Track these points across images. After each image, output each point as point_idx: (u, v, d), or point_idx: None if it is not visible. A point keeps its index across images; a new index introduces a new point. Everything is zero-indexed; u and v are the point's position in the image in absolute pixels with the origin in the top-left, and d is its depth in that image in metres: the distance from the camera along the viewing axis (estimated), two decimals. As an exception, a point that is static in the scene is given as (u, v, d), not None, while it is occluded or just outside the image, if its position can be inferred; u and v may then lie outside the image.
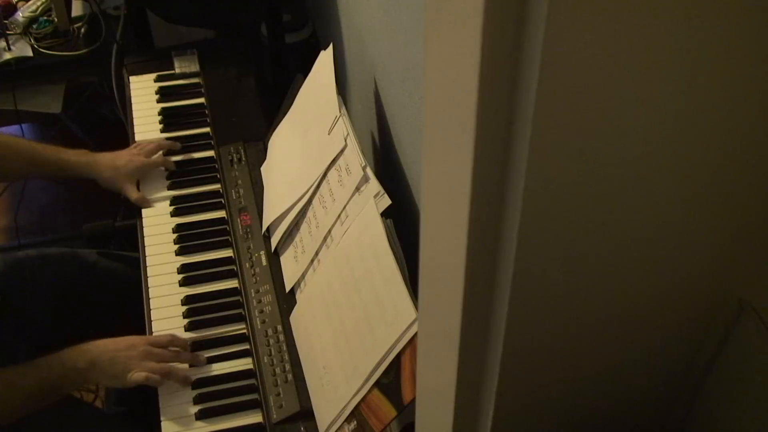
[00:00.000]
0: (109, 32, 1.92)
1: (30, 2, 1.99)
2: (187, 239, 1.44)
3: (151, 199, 1.49)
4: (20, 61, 1.89)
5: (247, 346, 1.28)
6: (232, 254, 1.41)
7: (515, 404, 0.61)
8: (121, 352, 1.22)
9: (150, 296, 1.35)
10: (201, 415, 1.20)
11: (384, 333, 1.03)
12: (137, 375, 1.20)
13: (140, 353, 1.22)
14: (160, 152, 1.55)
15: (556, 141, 0.44)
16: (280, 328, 1.28)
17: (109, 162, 1.49)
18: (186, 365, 1.25)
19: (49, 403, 1.21)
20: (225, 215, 1.47)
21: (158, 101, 1.68)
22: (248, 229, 1.43)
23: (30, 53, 1.91)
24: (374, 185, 1.15)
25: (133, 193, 1.47)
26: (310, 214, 1.31)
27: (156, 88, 1.70)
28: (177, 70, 1.73)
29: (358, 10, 1.45)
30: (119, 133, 1.80)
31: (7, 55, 1.89)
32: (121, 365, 1.21)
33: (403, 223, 1.14)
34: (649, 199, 0.51)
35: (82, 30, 1.96)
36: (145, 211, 1.49)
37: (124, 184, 1.48)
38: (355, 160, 1.20)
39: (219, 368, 1.26)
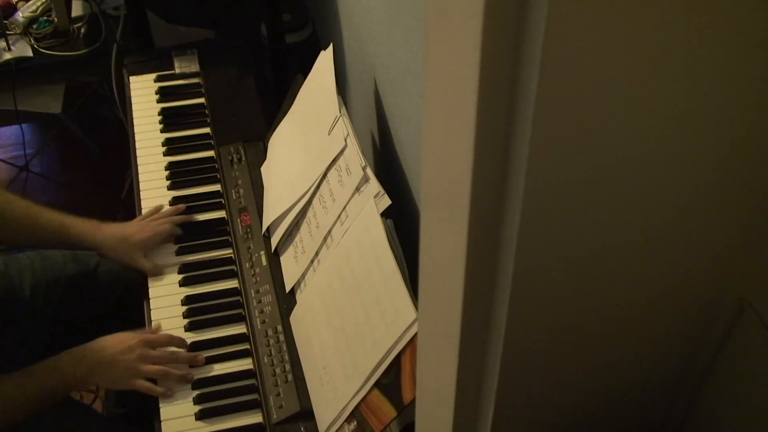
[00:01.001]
0: (109, 32, 1.92)
1: (30, 2, 1.99)
2: (187, 239, 1.44)
3: (161, 265, 1.40)
4: (20, 61, 1.90)
5: (247, 346, 1.28)
6: (232, 254, 1.41)
7: (515, 404, 0.61)
8: (119, 356, 1.22)
9: (150, 296, 1.35)
10: (201, 415, 1.20)
11: (384, 333, 1.03)
12: (140, 383, 1.21)
13: (138, 356, 1.23)
14: (171, 219, 1.45)
15: (556, 141, 0.44)
16: (280, 328, 1.28)
17: (116, 233, 1.41)
18: (186, 366, 1.25)
19: (47, 408, 1.20)
20: (225, 215, 1.47)
21: (158, 101, 1.68)
22: (248, 229, 1.43)
23: (30, 53, 1.91)
24: (374, 185, 1.15)
25: (144, 264, 1.38)
26: (310, 214, 1.31)
27: (156, 88, 1.70)
28: (177, 70, 1.73)
29: (358, 10, 1.45)
30: (119, 133, 1.80)
31: (7, 55, 1.89)
32: (119, 370, 1.22)
33: (403, 223, 1.14)
34: (649, 199, 0.51)
35: (82, 30, 1.96)
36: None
37: (133, 255, 1.39)
38: (355, 161, 1.20)
39: (219, 368, 1.26)
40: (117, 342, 1.25)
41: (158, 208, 1.47)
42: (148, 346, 1.24)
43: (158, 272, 1.38)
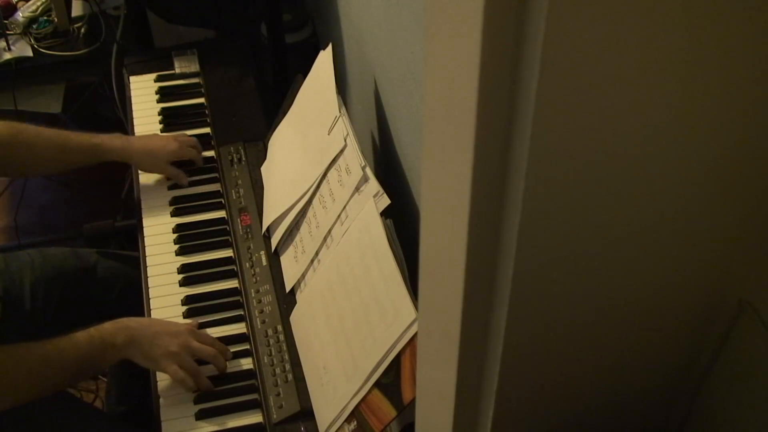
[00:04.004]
0: (109, 32, 1.92)
1: (30, 2, 1.99)
2: (187, 239, 1.44)
3: (186, 181, 1.52)
4: (20, 61, 1.89)
5: (247, 346, 1.28)
6: (232, 254, 1.41)
7: (515, 404, 0.61)
8: (163, 336, 1.21)
9: (150, 296, 1.35)
10: (201, 415, 1.20)
11: (384, 333, 1.03)
12: (174, 369, 1.19)
13: (182, 342, 1.21)
14: (197, 143, 1.55)
15: (556, 141, 0.44)
16: (280, 328, 1.28)
17: (143, 146, 1.50)
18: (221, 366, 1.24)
19: (85, 376, 1.19)
20: (225, 215, 1.47)
21: (158, 101, 1.68)
22: (248, 229, 1.43)
23: (30, 53, 1.91)
24: (374, 185, 1.15)
25: (171, 171, 1.50)
26: (310, 214, 1.31)
27: (156, 88, 1.70)
28: (177, 70, 1.73)
29: (358, 10, 1.45)
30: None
31: (7, 55, 1.89)
32: (160, 348, 1.20)
33: (403, 223, 1.14)
34: (649, 198, 0.51)
35: (82, 30, 1.96)
36: (145, 211, 1.49)
37: (161, 165, 1.50)
38: (355, 160, 1.20)
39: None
40: (165, 323, 1.25)
41: (184, 134, 1.57)
42: (194, 337, 1.23)
43: (184, 180, 1.51)
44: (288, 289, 1.32)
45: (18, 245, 2.15)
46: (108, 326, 1.21)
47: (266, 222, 1.41)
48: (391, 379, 1.01)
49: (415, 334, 0.97)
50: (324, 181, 1.28)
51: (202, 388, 1.22)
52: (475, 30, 0.39)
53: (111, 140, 1.48)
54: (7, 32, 1.91)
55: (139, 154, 1.49)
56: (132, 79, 1.73)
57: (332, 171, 1.26)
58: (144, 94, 1.70)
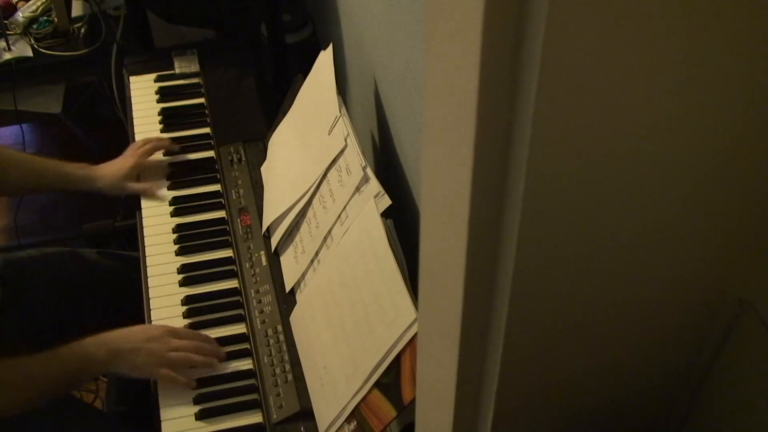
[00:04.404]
0: (109, 32, 1.92)
1: (30, 2, 1.99)
2: (187, 239, 1.44)
3: (155, 193, 1.50)
4: (20, 61, 1.90)
5: (247, 346, 1.28)
6: (232, 254, 1.41)
7: (515, 404, 0.61)
8: (143, 343, 1.22)
9: (150, 296, 1.35)
10: (201, 415, 1.20)
11: (384, 333, 1.03)
12: (164, 372, 1.20)
13: (162, 344, 1.22)
14: (159, 152, 1.55)
15: (556, 141, 0.44)
16: (280, 328, 1.28)
17: (104, 170, 1.51)
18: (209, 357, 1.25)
19: (67, 391, 1.21)
20: (225, 215, 1.47)
21: (158, 101, 1.68)
22: (248, 229, 1.43)
23: (30, 53, 1.91)
24: (374, 185, 1.15)
25: (135, 187, 1.49)
26: (310, 214, 1.31)
27: (156, 88, 1.70)
28: (177, 70, 1.73)
29: (358, 10, 1.45)
30: (119, 133, 1.80)
31: (7, 55, 1.89)
32: (143, 356, 1.21)
33: (403, 223, 1.14)
34: (649, 198, 0.51)
35: (82, 30, 1.96)
36: (145, 211, 1.49)
37: (124, 184, 1.49)
38: (355, 160, 1.20)
39: (219, 368, 1.26)
40: (142, 330, 1.25)
41: (148, 140, 1.55)
42: (173, 336, 1.24)
43: (152, 193, 1.49)
44: (288, 289, 1.32)
45: (18, 245, 2.15)
46: (89, 342, 1.22)
47: (266, 222, 1.41)
48: (391, 379, 1.01)
49: (415, 334, 0.97)
50: (324, 182, 1.28)
51: (206, 368, 1.23)
52: (475, 30, 0.39)
53: (76, 170, 1.50)
54: (7, 32, 1.92)
55: (101, 179, 1.49)
56: (132, 79, 1.73)
57: (332, 171, 1.26)
58: (144, 94, 1.69)
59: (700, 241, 0.56)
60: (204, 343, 1.26)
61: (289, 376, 1.21)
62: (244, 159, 1.55)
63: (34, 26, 1.95)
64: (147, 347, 1.21)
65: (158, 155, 1.55)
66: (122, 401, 1.64)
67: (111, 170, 1.50)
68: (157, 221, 1.47)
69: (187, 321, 1.31)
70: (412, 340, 0.98)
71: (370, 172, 1.17)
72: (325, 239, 1.25)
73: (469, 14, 0.40)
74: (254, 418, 1.20)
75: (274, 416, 1.18)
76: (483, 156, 0.44)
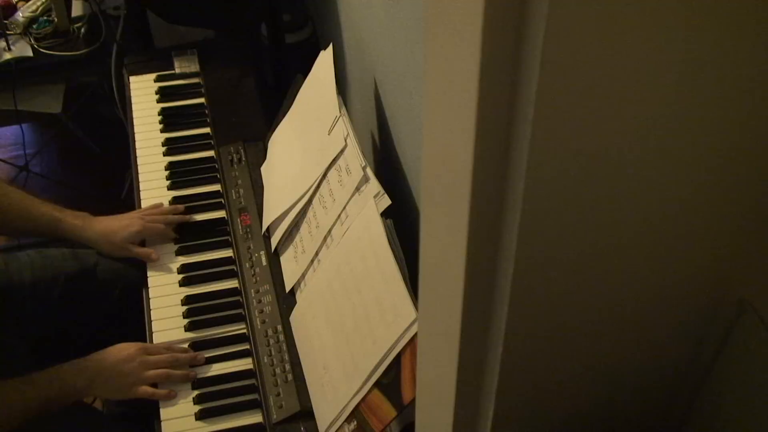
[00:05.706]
0: (109, 32, 1.92)
1: (30, 2, 1.99)
2: (187, 239, 1.44)
3: (160, 258, 1.40)
4: (20, 61, 1.89)
5: (247, 346, 1.28)
6: (232, 254, 1.41)
7: (515, 404, 0.61)
8: (119, 365, 1.23)
9: (150, 296, 1.35)
10: (201, 415, 1.20)
11: (384, 333, 1.03)
12: (143, 390, 1.21)
13: (139, 364, 1.23)
14: (165, 218, 1.45)
15: (556, 141, 0.44)
16: (280, 328, 1.28)
17: (104, 228, 1.41)
18: (187, 366, 1.25)
19: (45, 416, 1.20)
20: (225, 215, 1.47)
21: (158, 101, 1.68)
22: (248, 229, 1.43)
23: (30, 53, 1.91)
24: (374, 185, 1.15)
25: (138, 252, 1.40)
26: (310, 214, 1.31)
27: (156, 88, 1.70)
28: (177, 70, 1.73)
29: (358, 10, 1.45)
30: (119, 133, 1.80)
31: (7, 55, 1.89)
32: (121, 378, 1.22)
33: (403, 223, 1.14)
34: (649, 198, 0.51)
35: (82, 30, 1.96)
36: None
37: (121, 250, 1.41)
38: (355, 160, 1.20)
39: (219, 368, 1.26)
40: (116, 352, 1.25)
41: (158, 206, 1.47)
42: (147, 353, 1.25)
43: (155, 258, 1.39)
44: (288, 289, 1.32)
45: (18, 245, 2.15)
46: (67, 369, 1.22)
47: (266, 222, 1.41)
48: (391, 379, 1.01)
49: (415, 334, 0.97)
50: (324, 181, 1.28)
51: (184, 381, 1.23)
52: (475, 30, 0.39)
53: (73, 218, 1.42)
54: (7, 32, 1.91)
55: (97, 236, 1.41)
56: (132, 79, 1.73)
57: (332, 171, 1.26)
58: (144, 94, 1.70)
59: (700, 241, 0.56)
60: (178, 353, 1.26)
61: (289, 376, 1.21)
62: (244, 159, 1.55)
63: (34, 26, 1.95)
64: (123, 369, 1.22)
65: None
66: (122, 401, 1.63)
67: (112, 229, 1.41)
68: (157, 221, 1.47)
69: (187, 321, 1.31)
70: (412, 340, 0.98)
71: (369, 172, 1.17)
72: (325, 239, 1.25)
73: (469, 14, 0.40)
74: (254, 418, 1.20)
75: (274, 416, 1.18)
76: (483, 156, 0.44)
